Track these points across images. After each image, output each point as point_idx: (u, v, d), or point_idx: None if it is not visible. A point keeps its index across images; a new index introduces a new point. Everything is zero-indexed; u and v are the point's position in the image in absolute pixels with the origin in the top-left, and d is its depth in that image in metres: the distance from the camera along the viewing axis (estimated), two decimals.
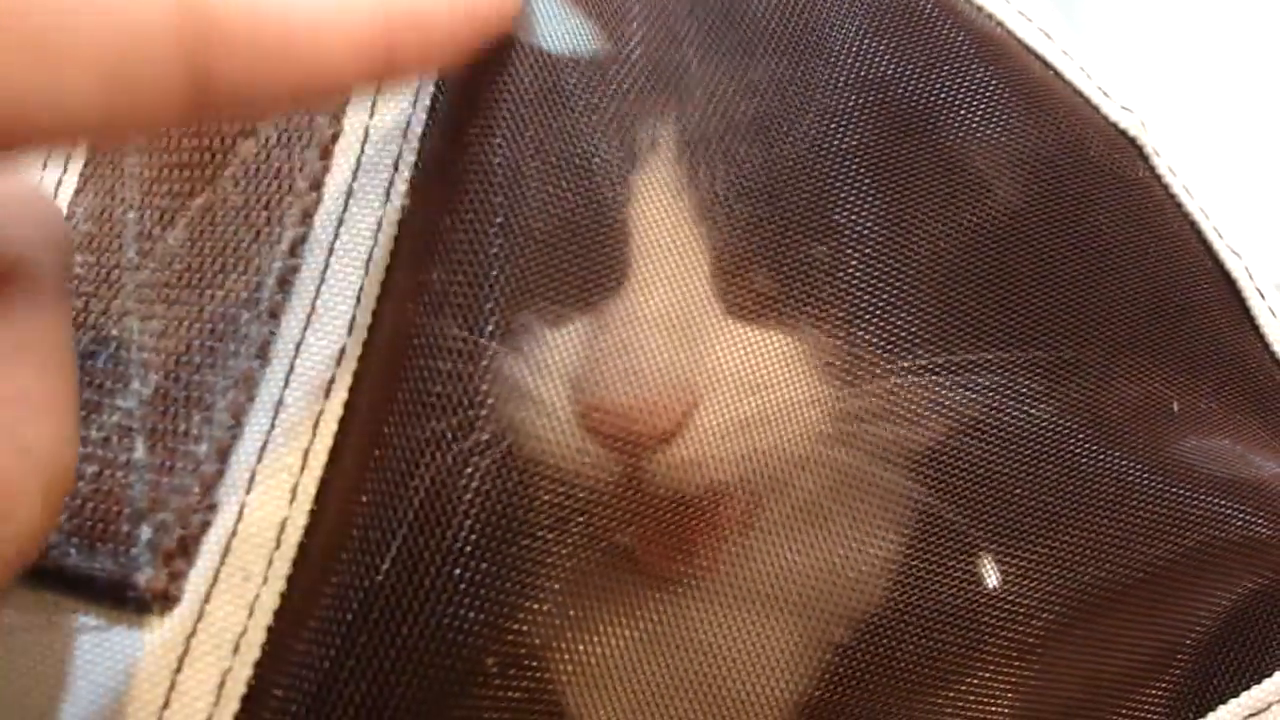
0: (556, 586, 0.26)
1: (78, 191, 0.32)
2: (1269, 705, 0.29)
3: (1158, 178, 0.33)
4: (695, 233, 0.27)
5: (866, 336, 0.27)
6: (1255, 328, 0.34)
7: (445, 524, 0.25)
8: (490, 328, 0.26)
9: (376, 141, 0.28)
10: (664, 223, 0.27)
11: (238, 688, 0.25)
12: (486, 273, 0.26)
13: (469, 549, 0.24)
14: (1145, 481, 0.30)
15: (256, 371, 0.27)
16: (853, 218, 0.28)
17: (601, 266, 0.27)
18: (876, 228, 0.28)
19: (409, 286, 0.26)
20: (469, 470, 0.25)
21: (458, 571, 0.24)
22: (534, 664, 0.25)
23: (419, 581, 0.24)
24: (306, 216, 0.28)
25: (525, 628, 0.25)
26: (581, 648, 0.26)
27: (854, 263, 0.27)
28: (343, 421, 0.26)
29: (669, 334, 0.26)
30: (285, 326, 0.27)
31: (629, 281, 0.27)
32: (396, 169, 0.28)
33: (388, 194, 0.28)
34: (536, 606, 0.25)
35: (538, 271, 0.26)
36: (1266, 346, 0.34)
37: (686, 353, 0.26)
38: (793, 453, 0.27)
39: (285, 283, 0.28)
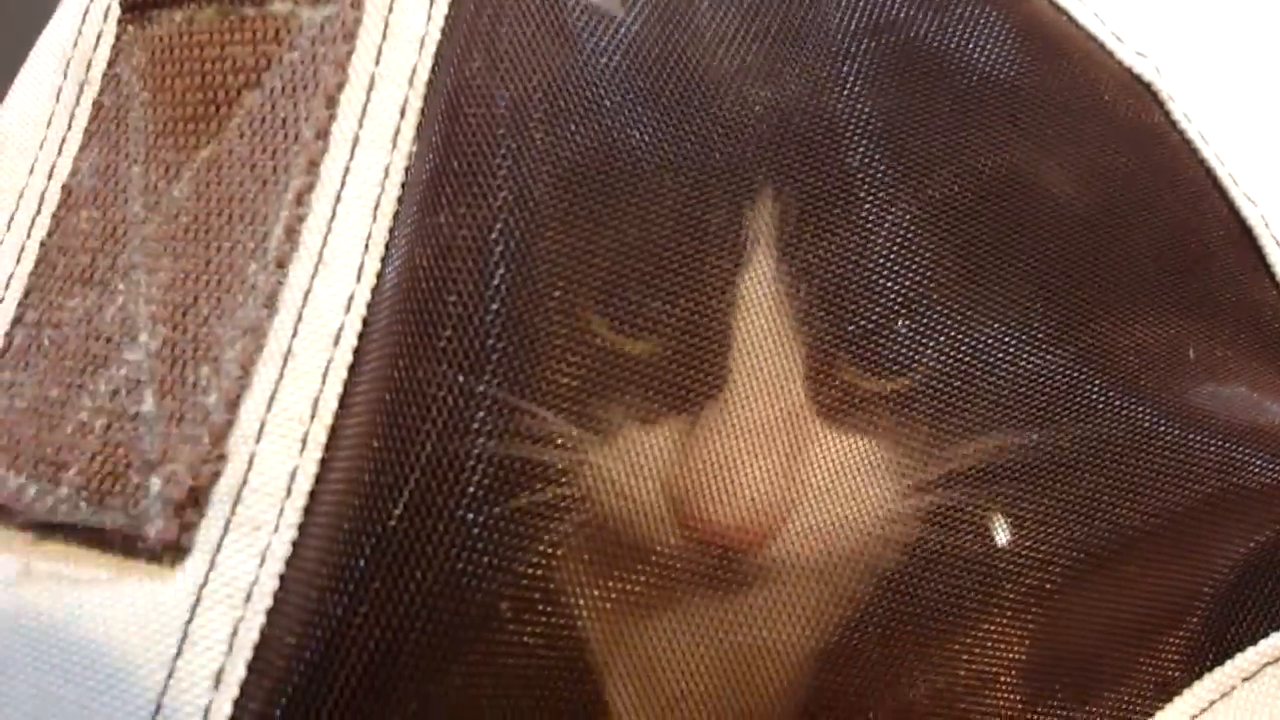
0: (571, 529, 0.25)
1: (83, 147, 0.31)
2: None
3: (1173, 123, 0.33)
4: (794, 338, 0.27)
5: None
6: (1271, 275, 0.33)
7: (458, 468, 0.24)
8: (500, 273, 0.25)
9: (383, 88, 0.28)
10: (766, 330, 0.27)
11: (250, 636, 0.25)
12: (494, 215, 0.25)
13: (481, 493, 0.24)
14: (1161, 428, 0.30)
15: (265, 321, 0.27)
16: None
17: (704, 374, 0.27)
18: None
19: (417, 231, 0.26)
20: (480, 414, 0.25)
21: (470, 515, 0.24)
22: (549, 607, 0.25)
23: (431, 526, 0.24)
24: (313, 165, 0.28)
25: (540, 571, 0.25)
26: (597, 591, 0.26)
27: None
28: (352, 369, 0.26)
29: (768, 447, 0.27)
30: (293, 276, 0.27)
31: (729, 391, 0.27)
32: (403, 115, 0.27)
33: (395, 141, 0.27)
34: (550, 550, 0.25)
35: (626, 367, 0.27)
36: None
37: (783, 465, 0.27)
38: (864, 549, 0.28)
39: (292, 232, 0.27)
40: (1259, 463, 0.30)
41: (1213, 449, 0.30)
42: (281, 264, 0.27)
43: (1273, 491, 0.30)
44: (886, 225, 0.28)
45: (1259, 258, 0.33)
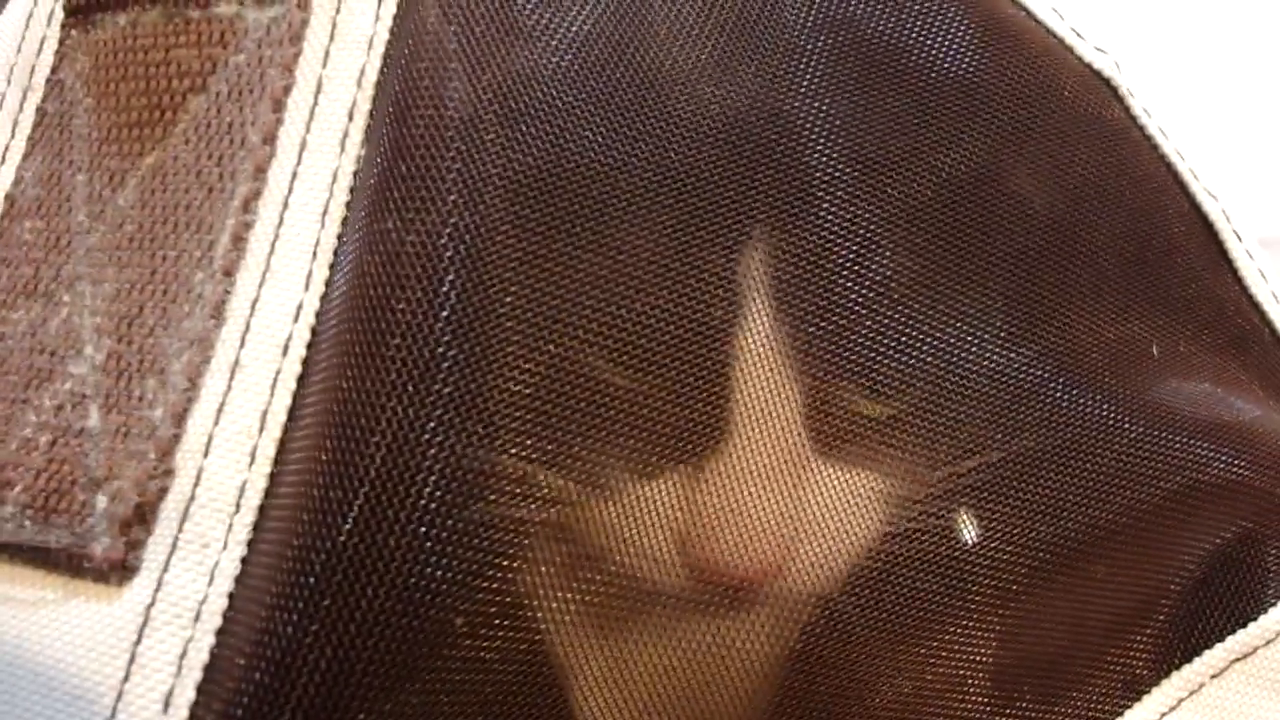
0: (528, 543, 0.25)
1: (26, 155, 0.31)
2: (1255, 649, 0.29)
3: (1133, 119, 0.33)
4: (792, 379, 0.27)
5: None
6: (1233, 270, 0.33)
7: (409, 481, 0.24)
8: (450, 279, 0.25)
9: (330, 91, 0.27)
10: (766, 377, 0.27)
11: (200, 657, 0.24)
12: (444, 219, 0.25)
13: (434, 505, 0.24)
14: (1125, 425, 0.30)
15: (211, 332, 0.26)
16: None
17: (703, 424, 0.27)
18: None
19: (365, 237, 0.25)
20: (431, 425, 0.24)
21: (423, 529, 0.24)
22: (507, 622, 0.25)
23: (383, 541, 0.23)
24: (260, 171, 0.27)
25: (496, 585, 0.24)
26: (557, 605, 0.25)
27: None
28: (301, 379, 0.25)
29: (772, 489, 0.27)
30: (240, 285, 0.26)
31: (732, 438, 0.27)
32: (351, 118, 0.27)
33: (343, 144, 0.27)
34: (507, 564, 0.25)
35: (621, 424, 0.26)
36: (1244, 289, 0.33)
37: (788, 504, 0.27)
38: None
39: (239, 240, 0.27)
40: (1224, 459, 0.30)
41: (1177, 446, 0.30)
42: (228, 273, 0.27)
43: (1237, 487, 0.30)
44: (851, 231, 0.28)
45: (1221, 253, 0.33)
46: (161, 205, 0.28)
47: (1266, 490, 0.30)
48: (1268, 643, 0.29)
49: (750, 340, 0.27)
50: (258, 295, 0.26)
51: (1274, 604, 0.29)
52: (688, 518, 0.27)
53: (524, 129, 0.26)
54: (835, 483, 0.28)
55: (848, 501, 0.28)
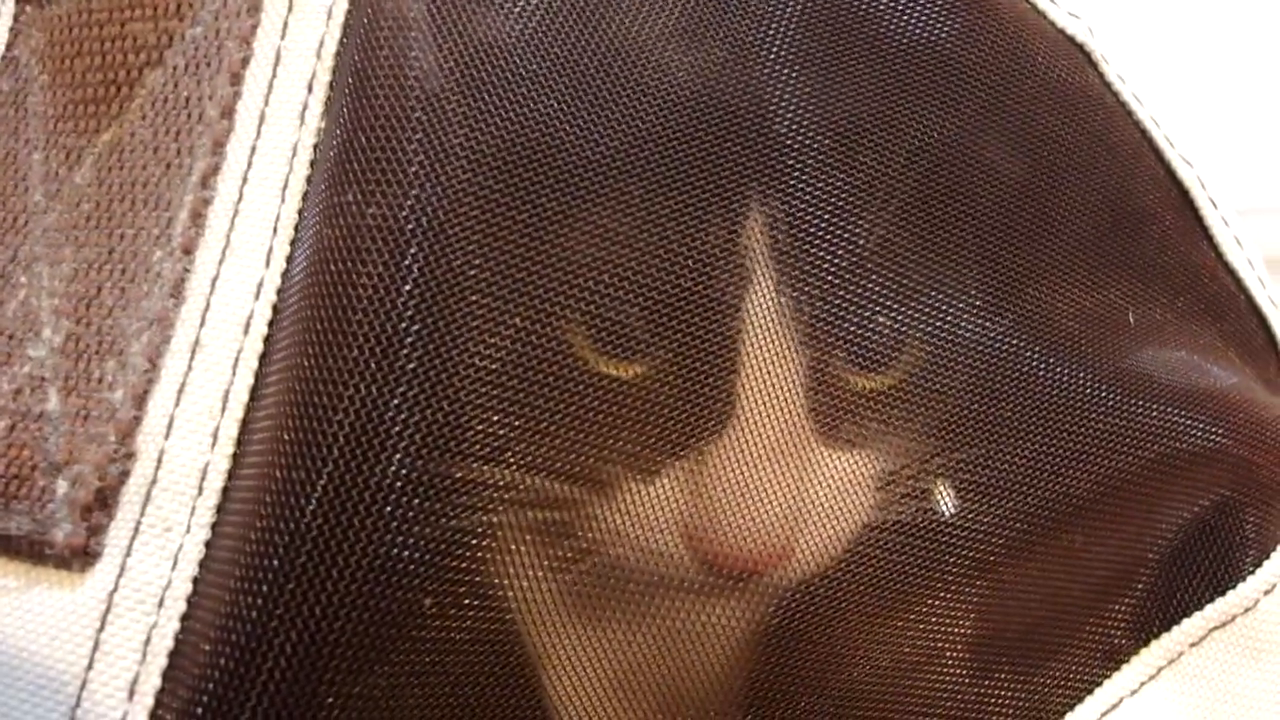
0: (495, 519, 0.24)
1: None
2: (1233, 617, 0.29)
3: (1107, 85, 0.32)
4: (797, 360, 0.27)
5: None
6: (1209, 237, 0.33)
7: (373, 459, 0.23)
8: (412, 251, 0.24)
9: (289, 63, 0.27)
10: (771, 356, 0.27)
11: (164, 643, 0.24)
12: (405, 191, 0.24)
13: (400, 484, 0.23)
14: (1102, 394, 0.29)
15: (171, 311, 0.26)
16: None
17: (710, 411, 0.26)
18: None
19: (325, 211, 0.25)
20: (395, 402, 0.23)
21: (389, 509, 0.23)
22: (476, 603, 0.24)
23: (347, 522, 0.23)
24: (218, 146, 0.27)
25: (465, 565, 0.24)
26: (528, 584, 0.25)
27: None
28: (263, 358, 0.25)
29: (777, 471, 0.26)
30: (200, 262, 0.26)
31: (736, 421, 0.26)
32: (310, 90, 0.26)
33: (302, 117, 0.26)
34: (476, 543, 0.24)
35: (599, 401, 0.26)
36: (1220, 256, 0.33)
37: (793, 488, 0.27)
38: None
39: (198, 216, 0.26)
40: (1201, 426, 0.30)
41: (1154, 414, 0.30)
42: (188, 250, 0.26)
43: (1215, 455, 0.30)
44: (825, 201, 0.27)
45: (1196, 220, 0.33)
46: (119, 183, 0.28)
47: (1244, 458, 0.30)
48: (1246, 610, 0.29)
49: (753, 313, 0.27)
50: (217, 273, 0.25)
51: (1252, 572, 0.29)
52: (688, 503, 0.26)
53: (487, 99, 0.25)
54: (834, 463, 0.27)
55: (847, 481, 0.27)
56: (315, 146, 0.26)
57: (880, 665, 0.27)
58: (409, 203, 0.24)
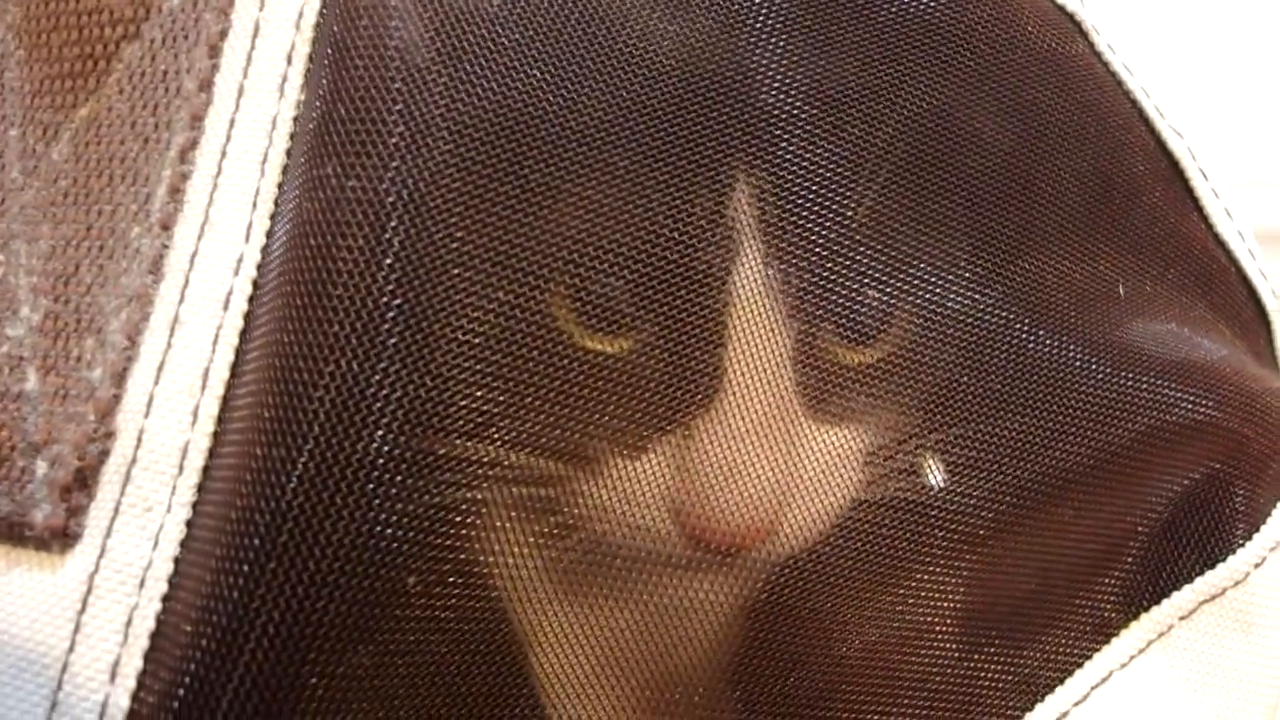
0: (480, 496, 0.24)
1: None
2: (1223, 590, 0.29)
3: (1097, 55, 0.32)
4: (784, 334, 0.26)
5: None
6: (1199, 208, 0.33)
7: (355, 435, 0.23)
8: (393, 224, 0.24)
9: (268, 35, 0.26)
10: (758, 330, 0.26)
11: (146, 625, 0.23)
12: (386, 163, 0.24)
13: (383, 461, 0.23)
14: (1092, 366, 0.29)
15: (150, 288, 0.25)
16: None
17: (697, 386, 0.26)
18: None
19: (305, 184, 0.24)
20: (376, 377, 0.23)
21: (371, 486, 0.23)
22: (461, 581, 0.24)
23: (329, 500, 0.23)
24: (196, 120, 0.26)
25: (450, 543, 0.24)
26: (513, 561, 0.24)
27: None
28: (243, 334, 0.24)
29: (764, 446, 0.26)
30: (178, 238, 0.25)
31: (723, 396, 0.26)
32: (290, 61, 0.26)
33: (282, 89, 0.26)
34: (461, 520, 0.24)
35: (610, 401, 0.25)
36: (1210, 228, 0.33)
37: (781, 462, 0.26)
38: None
39: (176, 191, 0.26)
40: (1191, 399, 0.30)
41: (1144, 386, 0.29)
42: (166, 226, 0.26)
43: (1205, 428, 0.30)
44: (814, 171, 0.27)
45: (1186, 191, 0.33)
46: (96, 158, 0.27)
47: (1234, 430, 0.30)
48: (1236, 584, 0.29)
49: (740, 286, 0.26)
50: (196, 248, 0.25)
51: (1242, 545, 0.29)
52: (675, 478, 0.26)
53: (468, 68, 0.25)
54: (822, 438, 0.27)
55: (834, 457, 0.27)
56: (295, 119, 0.25)
57: (870, 641, 0.27)
58: (390, 175, 0.24)
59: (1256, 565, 0.29)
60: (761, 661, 0.27)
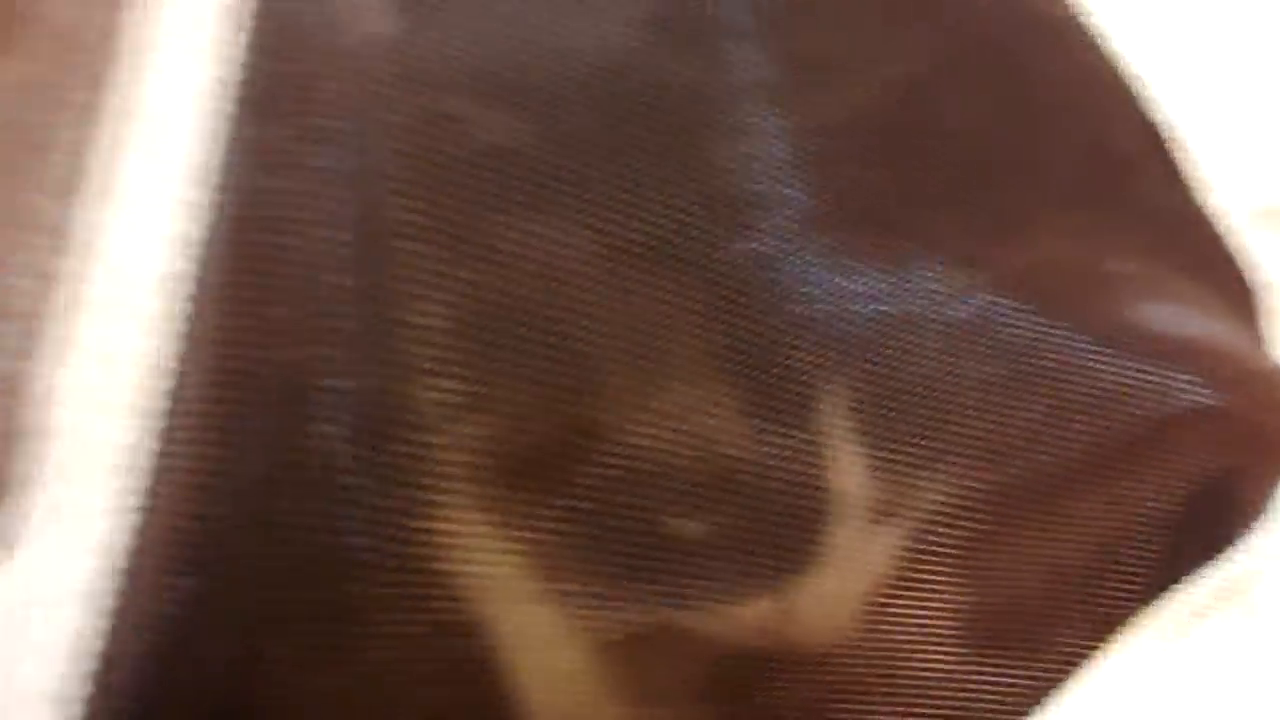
0: (456, 494, 0.22)
1: None
2: (1230, 578, 0.28)
3: (1085, 23, 0.32)
4: None
5: None
6: (1188, 184, 0.32)
7: (311, 432, 0.21)
8: (350, 195, 0.22)
9: None
10: None
11: (89, 644, 0.21)
12: (341, 128, 0.22)
13: (343, 460, 0.21)
14: (1088, 349, 0.28)
15: (68, 267, 0.23)
16: None
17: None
18: None
19: (248, 153, 0.22)
20: (334, 366, 0.21)
21: (329, 486, 0.21)
22: (430, 591, 0.22)
23: (284, 505, 0.21)
24: (103, 80, 0.24)
25: (419, 550, 0.22)
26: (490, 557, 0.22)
27: None
28: (187, 319, 0.22)
29: None
30: (95, 211, 0.23)
31: None
32: (218, 14, 0.23)
33: (212, 47, 0.23)
34: (430, 525, 0.22)
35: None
36: (1200, 204, 0.32)
37: None
38: None
39: (86, 160, 0.23)
40: (1187, 384, 0.29)
41: (1144, 370, 0.28)
42: (81, 199, 0.23)
43: (1203, 413, 0.29)
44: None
45: (1175, 167, 0.32)
46: (5, 124, 0.25)
47: (1237, 411, 0.29)
48: (1243, 572, 0.28)
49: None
50: (118, 223, 0.23)
51: (1250, 531, 0.28)
52: None
53: (412, 16, 0.23)
54: None
55: None
56: (226, 79, 0.23)
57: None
58: (347, 142, 0.22)
59: (1268, 555, 0.28)
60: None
